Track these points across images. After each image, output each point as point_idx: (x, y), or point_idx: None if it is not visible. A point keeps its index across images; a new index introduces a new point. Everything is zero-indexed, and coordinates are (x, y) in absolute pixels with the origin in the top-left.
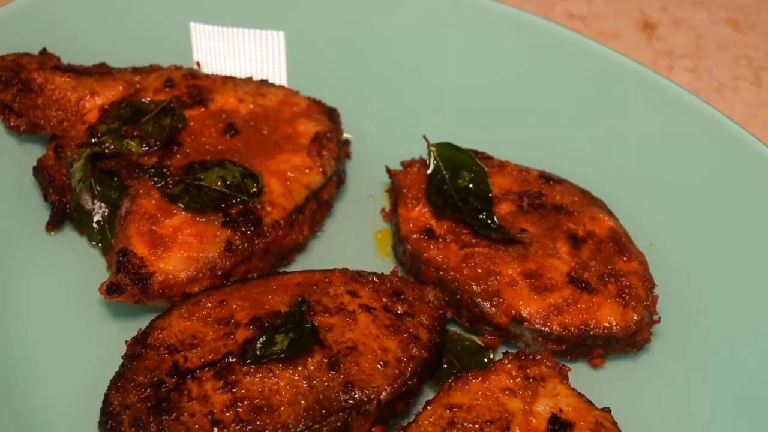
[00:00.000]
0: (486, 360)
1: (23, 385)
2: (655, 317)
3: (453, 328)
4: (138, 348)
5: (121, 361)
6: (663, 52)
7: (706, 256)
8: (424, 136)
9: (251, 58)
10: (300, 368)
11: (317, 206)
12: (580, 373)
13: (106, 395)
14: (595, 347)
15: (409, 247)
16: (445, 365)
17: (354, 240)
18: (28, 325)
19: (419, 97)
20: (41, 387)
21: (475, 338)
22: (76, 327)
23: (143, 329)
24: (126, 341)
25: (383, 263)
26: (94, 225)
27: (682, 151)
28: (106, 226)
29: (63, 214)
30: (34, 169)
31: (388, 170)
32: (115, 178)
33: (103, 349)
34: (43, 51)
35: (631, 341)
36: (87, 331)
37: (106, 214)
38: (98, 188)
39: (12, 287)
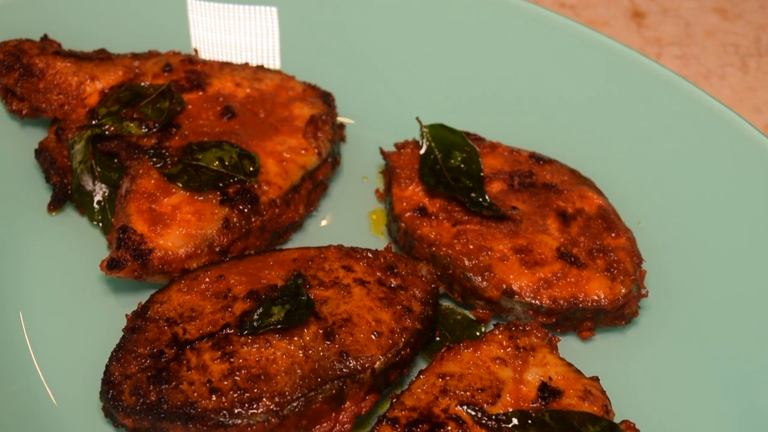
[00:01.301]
0: (478, 333)
1: (26, 359)
2: (643, 291)
3: (446, 303)
4: (138, 321)
5: (121, 334)
6: (652, 40)
7: (692, 234)
8: (417, 118)
9: (247, 45)
10: (296, 339)
11: (313, 186)
12: (569, 346)
13: (107, 366)
14: (584, 320)
15: (403, 224)
16: (438, 338)
17: (349, 219)
18: (31, 302)
19: (413, 82)
20: (44, 360)
21: (467, 312)
22: (77, 303)
23: (143, 303)
24: (126, 315)
25: (377, 241)
26: (95, 205)
27: (670, 132)
28: (107, 206)
29: (64, 195)
30: (36, 151)
31: (382, 151)
32: (115, 160)
33: (104, 323)
34: (45, 37)
35: (619, 314)
36: (88, 307)
37: (106, 194)
38: (99, 169)
39: (16, 266)
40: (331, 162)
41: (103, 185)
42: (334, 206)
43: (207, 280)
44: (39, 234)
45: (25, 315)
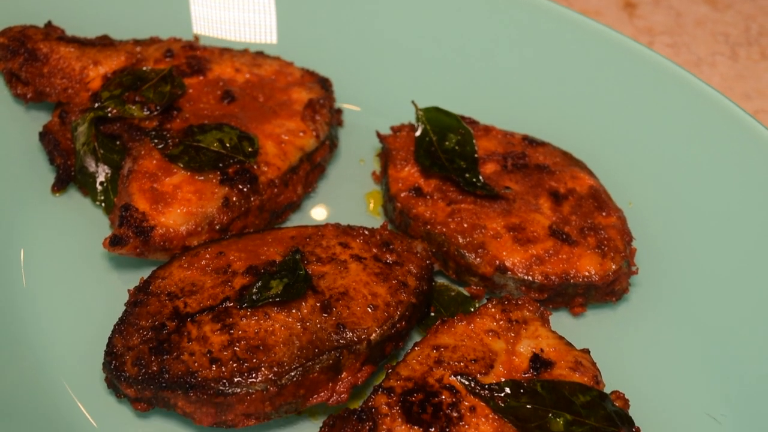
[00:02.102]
0: (472, 309)
1: (32, 335)
2: (633, 268)
3: (440, 280)
4: (140, 295)
5: (123, 308)
6: (643, 30)
7: (682, 214)
8: (412, 102)
9: (247, 32)
10: (294, 311)
11: (311, 168)
12: (561, 321)
13: (110, 339)
14: (576, 296)
15: (399, 204)
16: (433, 314)
17: (346, 200)
18: (35, 279)
19: (409, 69)
20: (48, 335)
21: (462, 289)
22: (80, 280)
23: (145, 278)
24: (128, 290)
25: (374, 221)
26: (98, 186)
27: (661, 116)
28: (109, 187)
29: (68, 176)
30: (40, 134)
31: (379, 134)
32: (117, 142)
33: (107, 299)
34: (48, 24)
35: (609, 290)
36: (91, 283)
37: (108, 175)
38: (101, 151)
39: (20, 245)
40: (329, 145)
41: (106, 167)
42: (331, 188)
43: (207, 256)
44: (43, 215)
45: (29, 292)
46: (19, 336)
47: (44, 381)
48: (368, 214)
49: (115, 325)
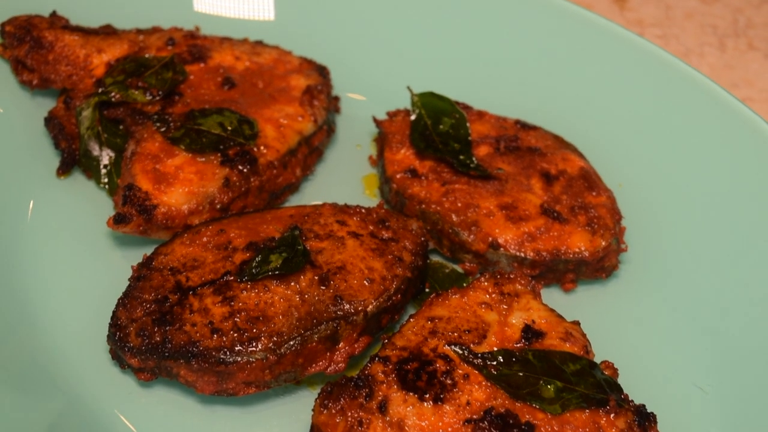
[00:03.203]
0: (465, 285)
1: (38, 311)
2: (622, 246)
3: (435, 258)
4: (143, 270)
5: (127, 284)
6: (634, 22)
7: (670, 195)
8: (408, 87)
9: (247, 22)
10: (293, 284)
11: (309, 151)
12: (552, 297)
13: (114, 312)
14: (567, 272)
15: (395, 185)
16: (428, 290)
17: (343, 182)
18: (41, 258)
19: (410, 60)
20: (54, 311)
21: (456, 266)
22: (85, 258)
23: (148, 255)
24: (132, 266)
25: (370, 202)
26: (102, 169)
27: (650, 101)
28: (113, 170)
29: (72, 160)
30: (46, 119)
31: (375, 119)
32: (121, 126)
33: (111, 276)
34: (53, 14)
35: (599, 266)
36: (95, 262)
37: (112, 159)
38: (105, 135)
39: (27, 226)
40: (327, 129)
41: (109, 150)
42: (329, 171)
43: (208, 233)
44: (49, 197)
45: (35, 270)
46: (25, 312)
47: (50, 354)
48: (365, 196)
49: (119, 299)
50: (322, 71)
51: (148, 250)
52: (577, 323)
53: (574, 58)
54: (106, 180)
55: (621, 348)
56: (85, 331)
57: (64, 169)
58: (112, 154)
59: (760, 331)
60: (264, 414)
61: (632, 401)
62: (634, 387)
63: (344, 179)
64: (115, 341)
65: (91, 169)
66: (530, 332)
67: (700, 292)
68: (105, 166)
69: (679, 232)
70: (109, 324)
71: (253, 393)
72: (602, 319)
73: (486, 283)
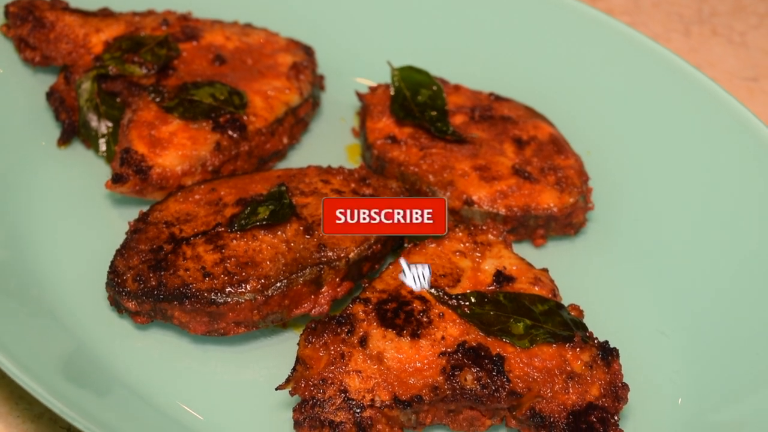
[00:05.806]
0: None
1: (41, 265)
2: (589, 205)
3: None
4: (139, 224)
5: (124, 237)
6: (604, 10)
7: (635, 162)
8: (388, 62)
9: (237, 7)
10: (279, 233)
11: (295, 121)
12: (524, 251)
13: (112, 261)
14: (537, 228)
15: (376, 151)
16: (406, 245)
17: (327, 151)
18: (42, 220)
19: (388, 38)
20: (55, 265)
21: None
22: (84, 219)
23: (144, 211)
24: (129, 222)
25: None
26: (100, 139)
27: (617, 75)
28: (110, 139)
29: (72, 131)
30: (47, 94)
31: (358, 93)
32: (118, 99)
33: (109, 233)
34: None
35: (567, 222)
36: (94, 221)
37: (110, 129)
38: (103, 107)
39: (30, 193)
40: (312, 102)
41: (107, 121)
42: (314, 140)
43: (200, 192)
44: (50, 166)
45: (37, 229)
46: (28, 267)
47: (52, 303)
48: (348, 163)
49: (116, 250)
50: (308, 50)
51: (145, 208)
52: (545, 270)
53: (546, 36)
54: (104, 149)
55: (587, 296)
56: (84, 282)
57: (64, 140)
58: (110, 125)
59: (716, 281)
60: (253, 354)
61: (596, 338)
62: (599, 329)
63: (329, 148)
64: (114, 287)
65: (90, 139)
66: (501, 277)
67: (661, 247)
68: (103, 136)
69: (643, 194)
70: (108, 272)
71: (243, 333)
72: (570, 271)
73: (461, 234)
